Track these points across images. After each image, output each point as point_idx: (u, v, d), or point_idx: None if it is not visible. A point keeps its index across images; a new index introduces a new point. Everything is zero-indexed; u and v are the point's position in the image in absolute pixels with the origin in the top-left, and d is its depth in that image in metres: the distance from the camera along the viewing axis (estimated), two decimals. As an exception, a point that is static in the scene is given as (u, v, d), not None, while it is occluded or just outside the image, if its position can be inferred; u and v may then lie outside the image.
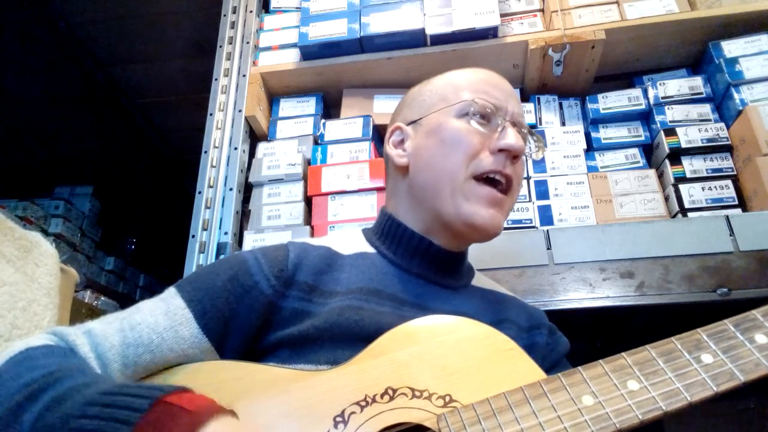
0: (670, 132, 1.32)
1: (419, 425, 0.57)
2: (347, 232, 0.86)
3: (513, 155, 0.75)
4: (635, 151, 1.37)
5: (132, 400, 0.48)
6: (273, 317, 0.68)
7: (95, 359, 0.62)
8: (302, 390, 0.59)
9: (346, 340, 0.65)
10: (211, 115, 1.52)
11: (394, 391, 0.58)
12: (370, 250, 0.80)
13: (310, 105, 1.57)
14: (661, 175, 1.32)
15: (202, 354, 0.65)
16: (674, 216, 1.25)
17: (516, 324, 0.79)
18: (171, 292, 0.69)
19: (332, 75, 1.56)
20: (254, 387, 0.60)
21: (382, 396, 0.58)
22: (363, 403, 0.57)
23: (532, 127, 1.44)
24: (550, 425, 0.54)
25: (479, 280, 0.87)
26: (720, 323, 0.60)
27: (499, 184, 0.75)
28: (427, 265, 0.77)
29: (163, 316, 0.65)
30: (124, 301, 3.01)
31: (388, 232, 0.80)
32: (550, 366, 0.79)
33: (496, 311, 0.79)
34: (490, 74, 0.81)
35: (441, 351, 0.61)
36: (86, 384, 0.52)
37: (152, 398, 0.47)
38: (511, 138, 0.73)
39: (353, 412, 0.57)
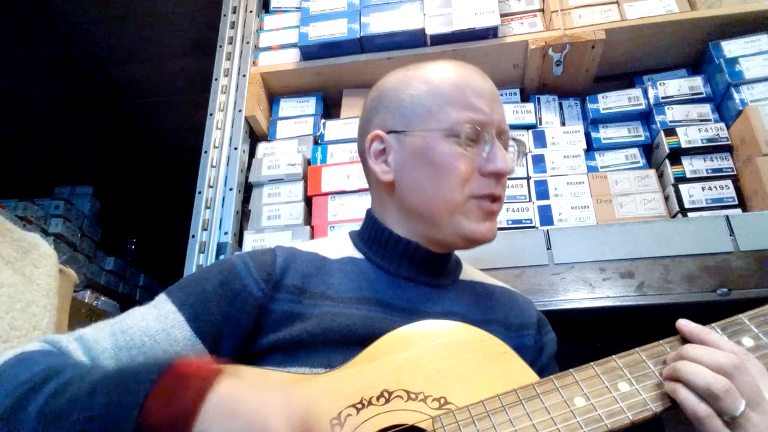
0: (670, 132, 1.31)
1: (415, 427, 0.57)
2: (334, 237, 0.86)
3: (502, 176, 0.75)
4: (635, 151, 1.37)
5: (140, 372, 0.48)
6: (264, 320, 0.69)
7: (89, 362, 0.62)
8: (298, 393, 0.59)
9: (339, 344, 0.65)
10: (211, 115, 1.52)
11: (390, 393, 0.59)
12: (358, 255, 0.80)
13: (310, 105, 1.57)
14: (661, 175, 1.32)
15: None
16: (674, 216, 1.25)
17: (504, 323, 0.79)
18: (161, 298, 0.70)
19: (332, 75, 1.56)
20: None
21: (378, 398, 0.58)
22: (359, 406, 0.58)
23: (532, 127, 1.44)
24: (544, 426, 0.55)
25: (467, 273, 0.86)
26: (708, 327, 0.61)
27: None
28: (415, 268, 0.77)
29: (154, 320, 0.66)
30: (124, 301, 3.01)
31: (374, 236, 0.80)
32: (539, 371, 0.79)
33: (485, 309, 0.80)
34: (473, 77, 0.77)
35: (436, 354, 0.62)
36: (90, 370, 0.53)
37: (160, 367, 0.48)
38: (500, 162, 0.73)
39: (349, 415, 0.57)
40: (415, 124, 0.76)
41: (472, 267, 0.90)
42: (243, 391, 0.47)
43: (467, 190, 0.73)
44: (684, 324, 0.61)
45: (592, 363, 0.60)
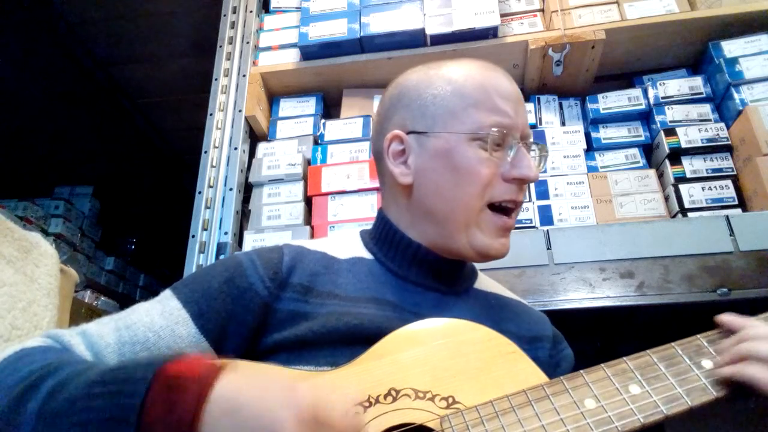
0: (670, 132, 1.32)
1: (423, 426, 0.57)
2: (344, 235, 0.84)
3: (526, 182, 0.73)
4: (635, 151, 1.38)
5: (135, 373, 0.48)
6: (269, 319, 0.68)
7: (92, 357, 0.61)
8: (305, 382, 0.58)
9: (345, 343, 0.64)
10: (211, 115, 1.52)
11: (398, 392, 0.58)
12: (368, 256, 0.78)
13: (310, 105, 1.58)
14: (661, 175, 1.32)
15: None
16: (674, 216, 1.25)
17: (516, 336, 0.75)
18: (166, 294, 0.69)
19: (332, 75, 1.56)
20: None
21: (385, 397, 0.58)
22: (366, 404, 0.57)
23: (532, 127, 1.44)
24: (553, 428, 0.54)
25: (482, 283, 0.84)
26: (713, 333, 0.61)
27: (511, 210, 0.74)
28: (425, 273, 0.76)
29: (159, 316, 0.65)
30: (124, 301, 3.01)
31: (385, 238, 0.78)
32: None
33: (497, 320, 0.77)
34: (498, 78, 0.75)
35: (444, 353, 0.61)
36: (87, 368, 0.52)
37: (155, 368, 0.47)
38: (525, 168, 0.71)
39: (356, 413, 0.56)
40: (438, 125, 0.73)
41: (489, 278, 0.88)
42: (245, 385, 0.46)
43: (487, 196, 0.71)
44: (726, 317, 0.61)
45: (602, 364, 0.59)
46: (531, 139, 0.76)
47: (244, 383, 0.47)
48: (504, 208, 0.73)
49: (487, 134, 0.70)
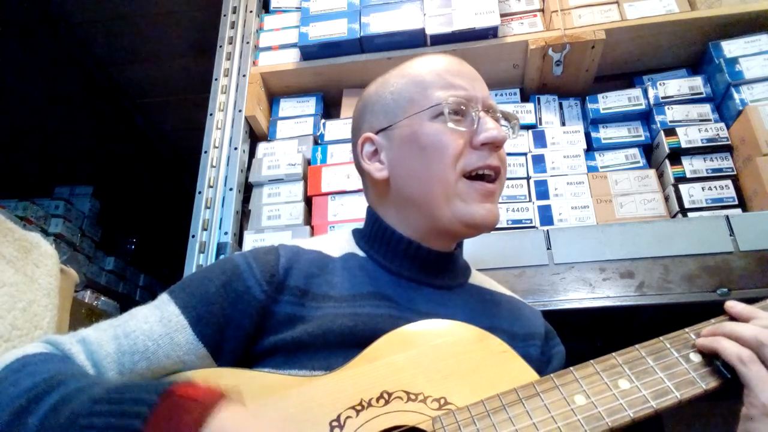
0: (670, 132, 1.32)
1: (415, 428, 0.57)
2: (337, 234, 0.85)
3: (496, 145, 0.74)
4: (635, 151, 1.37)
5: (140, 394, 0.48)
6: (266, 322, 0.68)
7: (91, 367, 0.62)
8: (298, 395, 0.59)
9: (340, 346, 0.64)
10: (211, 115, 1.52)
11: (390, 394, 0.58)
12: (360, 253, 0.79)
13: (310, 105, 1.57)
14: (661, 175, 1.32)
15: (198, 360, 0.65)
16: (674, 216, 1.25)
17: (509, 333, 0.77)
18: (164, 299, 0.69)
19: (332, 75, 1.56)
20: (250, 393, 0.60)
21: (377, 400, 0.58)
22: (359, 407, 0.57)
23: (532, 127, 1.44)
24: (544, 425, 0.54)
25: (476, 278, 0.85)
26: (707, 323, 0.62)
27: (489, 176, 0.74)
28: (417, 268, 0.76)
29: (158, 323, 0.65)
30: (124, 301, 3.01)
31: (376, 235, 0.79)
32: None
33: (490, 316, 0.78)
34: (450, 61, 0.79)
35: (436, 354, 0.62)
36: (90, 384, 0.52)
37: (160, 391, 0.47)
38: (491, 131, 0.72)
39: (349, 417, 0.57)
40: (399, 115, 0.77)
41: (482, 274, 0.88)
42: (242, 423, 0.47)
43: (460, 166, 0.72)
44: (734, 304, 0.62)
45: (591, 361, 0.60)
46: (498, 112, 0.78)
47: (243, 419, 0.48)
48: (483, 176, 0.74)
49: (444, 107, 0.73)
